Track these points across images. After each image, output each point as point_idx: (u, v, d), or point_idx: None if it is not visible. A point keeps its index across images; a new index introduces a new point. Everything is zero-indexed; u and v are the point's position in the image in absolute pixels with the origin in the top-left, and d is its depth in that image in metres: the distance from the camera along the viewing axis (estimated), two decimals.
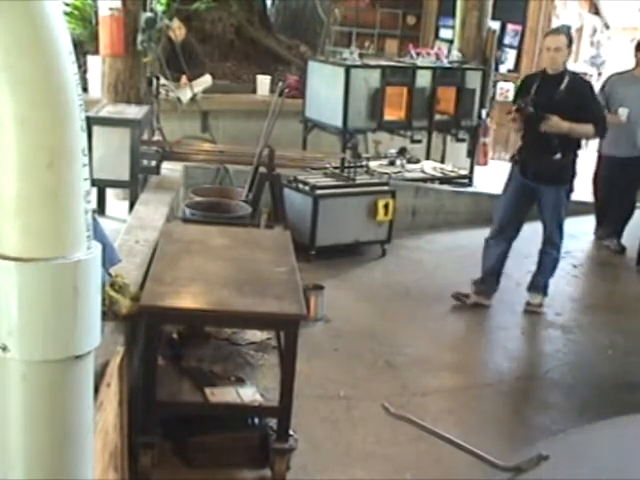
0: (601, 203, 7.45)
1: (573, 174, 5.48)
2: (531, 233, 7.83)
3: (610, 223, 7.44)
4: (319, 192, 6.42)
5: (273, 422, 3.56)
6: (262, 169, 5.81)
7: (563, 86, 5.27)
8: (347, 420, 4.09)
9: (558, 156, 5.32)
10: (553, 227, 5.59)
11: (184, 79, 7.92)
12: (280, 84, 6.10)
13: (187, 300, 3.38)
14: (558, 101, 5.24)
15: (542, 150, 5.36)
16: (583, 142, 5.74)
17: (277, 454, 3.42)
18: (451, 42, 10.01)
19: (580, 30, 12.10)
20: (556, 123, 5.23)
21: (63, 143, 1.51)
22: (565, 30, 5.47)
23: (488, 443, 3.64)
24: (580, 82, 5.50)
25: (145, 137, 6.04)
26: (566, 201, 5.54)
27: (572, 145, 5.39)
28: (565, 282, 6.71)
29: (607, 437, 1.16)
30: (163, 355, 3.74)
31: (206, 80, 8.52)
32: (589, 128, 5.40)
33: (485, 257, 5.70)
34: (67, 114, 1.52)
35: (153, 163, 5.90)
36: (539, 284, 5.78)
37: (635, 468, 1.07)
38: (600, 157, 7.38)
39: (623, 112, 6.88)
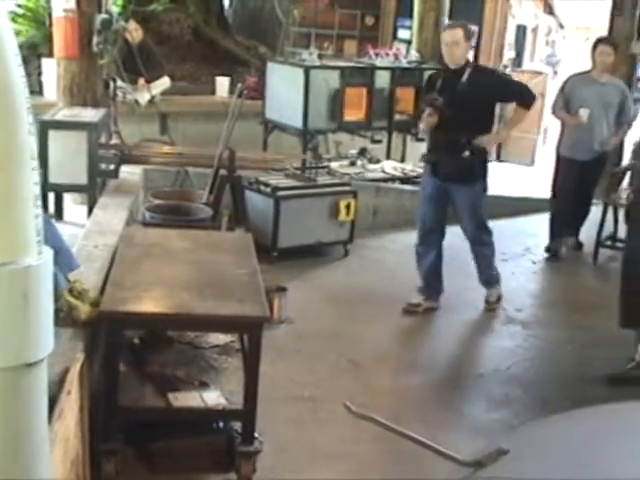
0: (558, 204, 7.32)
1: (485, 171, 5.45)
2: (493, 228, 7.92)
3: (568, 221, 7.36)
4: (280, 193, 6.42)
5: (238, 425, 3.55)
6: (223, 171, 5.79)
7: (464, 79, 5.20)
8: (312, 421, 4.09)
9: (467, 154, 5.26)
10: (474, 227, 5.51)
11: (142, 81, 7.86)
12: (239, 85, 6.07)
13: (148, 304, 3.35)
14: (461, 94, 5.18)
15: (450, 149, 5.30)
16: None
17: (243, 457, 3.41)
18: (409, 42, 10.07)
19: (535, 30, 12.24)
20: (488, 141, 5.33)
21: (10, 147, 1.48)
22: (461, 24, 5.42)
23: (451, 439, 3.67)
24: (482, 72, 5.48)
25: (103, 140, 5.98)
26: (483, 198, 5.49)
27: (479, 135, 5.31)
28: (525, 279, 6.78)
29: (564, 430, 1.17)
30: (125, 361, 3.70)
31: (164, 82, 8.46)
32: (520, 111, 5.46)
33: (419, 266, 5.64)
34: (14, 117, 1.49)
35: (111, 167, 5.84)
36: (488, 279, 5.77)
37: (591, 460, 1.08)
38: (559, 159, 7.30)
39: (584, 113, 6.81)
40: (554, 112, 7.42)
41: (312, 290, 5.93)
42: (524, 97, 5.42)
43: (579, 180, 7.07)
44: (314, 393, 4.34)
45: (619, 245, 6.79)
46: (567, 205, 7.21)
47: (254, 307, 3.34)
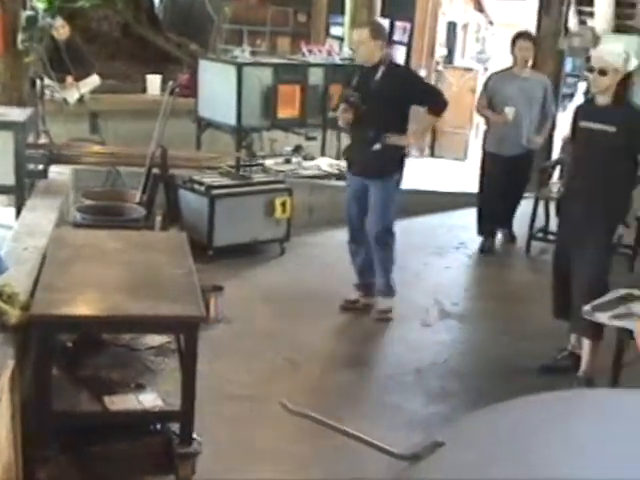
0: (485, 200, 7.34)
1: (397, 168, 5.40)
2: (427, 226, 8.01)
3: (494, 216, 7.37)
4: (215, 192, 6.37)
5: (176, 427, 3.51)
6: (156, 170, 5.72)
7: (378, 77, 5.22)
8: (251, 420, 4.08)
9: (377, 147, 5.25)
10: (380, 226, 5.40)
11: (70, 79, 7.71)
12: (171, 83, 6.01)
13: (81, 307, 3.28)
14: (375, 91, 5.20)
15: (362, 142, 5.33)
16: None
17: (181, 459, 3.37)
18: (342, 39, 10.09)
19: (466, 27, 12.40)
20: (398, 141, 5.27)
21: None
22: (369, 23, 5.51)
23: (390, 434, 3.69)
24: (396, 70, 5.47)
25: (30, 140, 5.85)
26: (394, 197, 5.42)
27: (391, 133, 5.27)
28: (460, 272, 6.87)
29: (497, 421, 1.19)
30: (58, 365, 3.61)
31: (93, 80, 8.32)
32: (429, 117, 5.48)
33: (353, 262, 5.65)
34: None
35: (40, 167, 5.72)
36: (384, 287, 5.57)
37: (522, 450, 1.09)
38: (485, 155, 7.33)
39: (510, 111, 6.84)
40: (478, 111, 7.50)
41: (249, 289, 5.91)
42: (434, 103, 5.40)
43: (506, 175, 7.12)
44: (252, 392, 4.32)
45: (551, 238, 6.91)
46: (493, 200, 7.27)
47: (190, 307, 3.30)
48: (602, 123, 4.57)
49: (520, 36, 7.08)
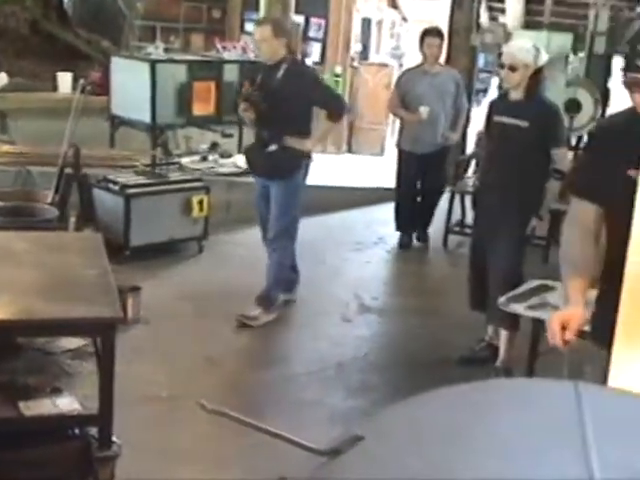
0: (402, 197, 7.39)
1: (299, 167, 5.25)
2: (346, 221, 8.05)
3: (412, 212, 7.41)
4: (130, 191, 6.27)
5: (95, 430, 3.43)
6: (68, 170, 5.59)
7: (279, 75, 5.13)
8: (171, 420, 4.03)
9: (273, 148, 5.16)
10: (278, 228, 5.28)
11: None
12: (82, 81, 5.88)
13: None
14: (275, 90, 5.11)
15: (259, 142, 5.28)
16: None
17: (100, 462, 3.30)
18: None
19: (380, 23, 12.50)
20: (296, 144, 5.15)
21: None
22: (271, 20, 5.38)
23: (311, 429, 3.70)
24: (298, 70, 5.33)
25: None
26: (294, 199, 5.29)
27: (291, 134, 5.16)
28: (379, 267, 6.93)
29: (414, 413, 1.19)
30: None
31: (1, 78, 8.08)
32: (327, 123, 5.41)
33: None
34: None
35: None
36: (262, 294, 5.36)
37: (441, 441, 1.10)
38: (400, 152, 7.34)
39: (424, 110, 6.84)
40: (391, 109, 7.51)
41: (167, 288, 5.83)
42: (332, 108, 5.30)
43: (422, 173, 7.17)
44: (171, 392, 4.27)
45: (467, 231, 7.02)
46: (410, 198, 7.35)
47: (106, 308, 3.23)
48: (515, 118, 4.66)
49: (428, 33, 7.07)
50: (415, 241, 7.46)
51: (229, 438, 3.77)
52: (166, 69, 7.62)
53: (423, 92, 6.96)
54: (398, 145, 7.40)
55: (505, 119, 4.74)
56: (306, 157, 5.28)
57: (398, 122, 7.65)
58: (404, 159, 7.29)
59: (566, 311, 2.44)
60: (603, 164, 2.52)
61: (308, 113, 5.29)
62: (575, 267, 2.53)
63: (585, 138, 7.34)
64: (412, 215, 7.43)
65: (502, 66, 4.70)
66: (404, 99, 7.08)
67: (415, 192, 7.35)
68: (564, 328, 2.37)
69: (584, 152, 3.04)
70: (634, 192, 1.86)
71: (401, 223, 7.41)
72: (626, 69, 2.29)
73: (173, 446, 3.79)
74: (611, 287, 2.07)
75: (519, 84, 4.64)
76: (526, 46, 4.72)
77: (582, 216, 2.60)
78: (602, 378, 1.92)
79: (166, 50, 8.32)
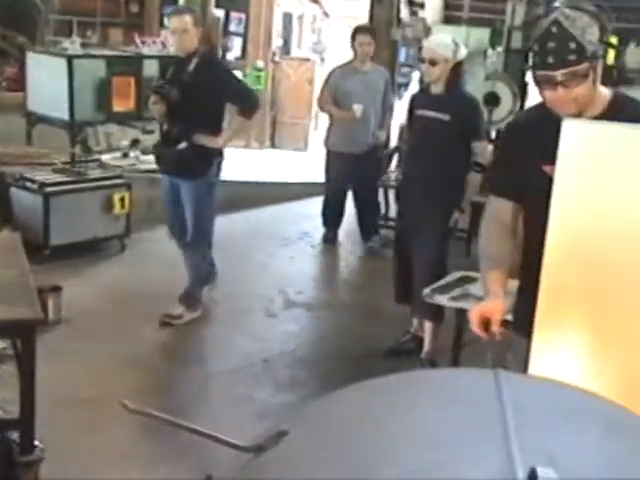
0: (332, 197, 7.32)
1: (211, 166, 5.10)
2: (270, 217, 8.04)
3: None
4: (49, 189, 6.14)
5: (17, 435, 3.35)
6: None
7: (191, 68, 4.96)
8: (95, 422, 3.96)
9: (183, 145, 4.97)
10: (195, 229, 5.16)
11: None
12: None
13: None
14: (188, 83, 4.94)
15: (169, 140, 5.09)
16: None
17: (23, 467, 3.23)
18: None
19: (301, 18, 12.49)
20: (205, 141, 5.00)
21: None
22: (189, 10, 5.25)
23: (240, 426, 3.67)
24: (209, 64, 5.14)
25: None
26: (208, 199, 5.15)
27: (201, 131, 5.01)
28: (304, 262, 6.93)
29: (340, 406, 1.20)
30: None
31: None
32: (240, 120, 5.24)
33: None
34: None
35: None
36: (185, 292, 5.30)
37: (366, 433, 1.10)
38: (329, 153, 7.25)
39: (358, 108, 6.77)
40: (321, 107, 7.43)
41: (89, 288, 5.72)
42: (244, 104, 5.15)
43: (355, 174, 7.02)
44: (95, 393, 4.19)
45: (391, 224, 7.05)
46: (340, 198, 7.30)
47: (25, 309, 3.16)
48: (436, 111, 4.72)
49: (360, 30, 7.05)
50: (377, 245, 7.24)
51: (156, 438, 3.74)
52: (84, 64, 7.48)
53: (355, 90, 6.90)
54: (327, 145, 7.29)
55: (427, 113, 4.79)
56: (217, 155, 5.15)
57: (327, 121, 7.53)
58: (334, 159, 7.18)
59: (486, 304, 2.47)
60: (517, 160, 2.57)
61: (219, 109, 5.15)
62: (493, 261, 2.58)
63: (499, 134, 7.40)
64: (341, 212, 7.41)
65: (422, 60, 4.75)
66: (335, 96, 7.02)
67: (345, 190, 7.31)
68: (485, 321, 2.40)
69: (498, 149, 3.07)
70: (549, 186, 1.89)
71: (329, 220, 7.39)
72: (536, 66, 2.33)
73: (98, 448, 3.73)
74: (530, 279, 2.11)
75: (439, 78, 4.70)
76: (445, 41, 4.78)
77: (499, 212, 2.65)
78: (523, 366, 1.96)
79: (83, 45, 8.16)
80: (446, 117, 4.68)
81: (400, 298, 5.04)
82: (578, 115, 2.35)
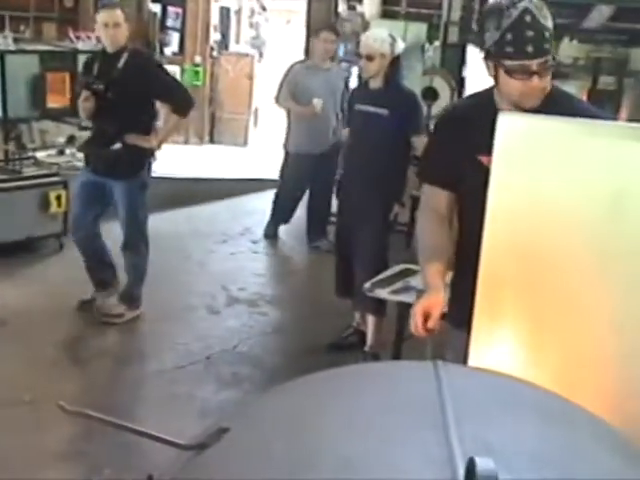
0: (285, 198, 7.24)
1: (142, 168, 5.03)
2: (210, 213, 7.99)
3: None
4: None
5: None
6: None
7: (121, 64, 4.83)
8: (35, 425, 3.89)
9: (117, 146, 4.85)
10: (132, 231, 5.10)
11: None
12: None
13: None
14: (117, 80, 4.82)
15: (102, 139, 4.93)
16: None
17: None
18: None
19: (239, 12, 12.43)
20: (137, 141, 4.89)
21: None
22: (118, 4, 5.09)
23: (182, 424, 3.65)
24: (139, 59, 5.02)
25: None
26: (142, 199, 5.07)
27: (133, 130, 4.90)
28: (245, 258, 6.90)
29: (281, 401, 1.19)
30: None
31: None
32: (173, 118, 5.09)
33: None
34: None
35: None
36: (125, 294, 5.24)
37: (306, 428, 1.10)
38: (289, 155, 7.12)
39: (318, 102, 6.68)
40: (279, 102, 7.22)
41: (25, 288, 5.61)
42: (177, 102, 5.04)
43: (315, 173, 6.93)
44: (35, 395, 4.11)
45: (333, 220, 7.05)
46: (296, 196, 7.23)
47: None
48: (375, 106, 4.74)
49: (324, 29, 7.00)
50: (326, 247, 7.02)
51: (98, 439, 3.69)
52: (16, 60, 7.31)
53: (316, 87, 6.80)
54: (286, 147, 7.13)
55: (365, 108, 4.81)
56: (150, 155, 5.06)
57: (285, 121, 7.35)
58: (293, 161, 7.03)
59: (427, 299, 2.45)
60: (452, 149, 2.55)
61: (151, 107, 5.06)
62: (431, 252, 2.56)
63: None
64: (292, 209, 7.31)
65: (360, 56, 4.76)
66: (294, 93, 6.89)
67: (303, 190, 7.19)
68: (426, 317, 2.41)
69: (431, 137, 3.01)
70: (486, 176, 1.90)
71: (277, 215, 7.29)
72: (509, 56, 2.29)
73: (39, 451, 3.66)
74: (466, 270, 2.11)
75: (377, 73, 4.72)
76: (382, 35, 4.79)
77: (434, 202, 2.63)
78: (461, 357, 1.97)
79: (16, 40, 7.99)
80: (385, 112, 4.70)
81: (341, 292, 5.05)
82: (516, 107, 2.37)
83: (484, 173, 1.93)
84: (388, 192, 4.80)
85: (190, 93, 5.40)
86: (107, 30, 4.85)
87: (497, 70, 2.38)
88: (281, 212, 7.34)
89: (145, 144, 4.96)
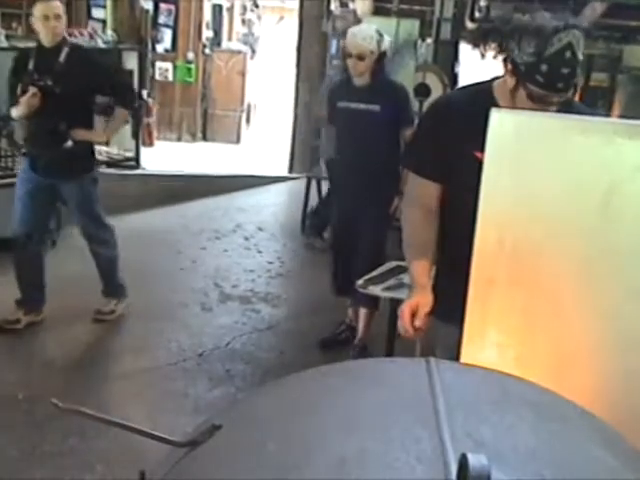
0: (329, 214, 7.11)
1: (92, 163, 4.98)
2: (203, 210, 7.99)
3: (316, 221, 7.26)
4: None
5: None
6: None
7: (62, 59, 4.63)
8: (29, 422, 3.89)
9: (69, 144, 4.67)
10: (92, 225, 4.99)
11: None
12: None
13: None
14: (58, 74, 4.60)
15: (50, 139, 4.66)
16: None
17: None
18: (104, 22, 9.78)
19: (231, 9, 12.42)
20: (85, 136, 4.78)
21: None
22: None
23: (176, 421, 3.67)
24: (81, 53, 4.87)
25: None
26: (95, 192, 4.93)
27: (80, 127, 4.75)
28: (237, 254, 6.90)
29: (274, 398, 1.19)
30: None
31: None
32: (119, 111, 4.98)
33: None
34: None
35: None
36: (112, 289, 5.22)
37: (298, 425, 1.11)
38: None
39: None
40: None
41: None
42: (121, 96, 4.95)
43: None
44: (29, 393, 4.11)
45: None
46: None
47: None
48: (366, 103, 4.69)
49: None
50: (310, 242, 7.16)
51: (92, 436, 3.69)
52: (9, 57, 7.28)
53: None
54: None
55: (353, 105, 4.74)
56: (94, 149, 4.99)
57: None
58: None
59: (414, 299, 2.43)
60: (445, 141, 2.48)
61: (92, 100, 4.93)
62: (418, 249, 2.52)
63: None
64: (317, 220, 7.24)
65: (350, 55, 4.68)
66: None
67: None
68: (414, 316, 2.40)
69: (422, 125, 2.84)
70: (479, 171, 1.88)
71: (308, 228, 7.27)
72: (538, 84, 2.24)
73: (32, 448, 3.66)
74: (455, 266, 2.08)
75: (366, 70, 4.69)
76: (370, 33, 4.73)
77: (423, 195, 2.55)
78: (450, 353, 1.96)
79: (8, 37, 7.97)
80: (376, 107, 4.67)
81: (339, 291, 5.01)
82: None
83: (478, 169, 1.91)
84: (387, 186, 4.77)
85: (133, 87, 5.24)
86: (48, 22, 4.58)
87: (519, 85, 2.34)
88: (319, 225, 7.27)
89: (96, 138, 4.89)
